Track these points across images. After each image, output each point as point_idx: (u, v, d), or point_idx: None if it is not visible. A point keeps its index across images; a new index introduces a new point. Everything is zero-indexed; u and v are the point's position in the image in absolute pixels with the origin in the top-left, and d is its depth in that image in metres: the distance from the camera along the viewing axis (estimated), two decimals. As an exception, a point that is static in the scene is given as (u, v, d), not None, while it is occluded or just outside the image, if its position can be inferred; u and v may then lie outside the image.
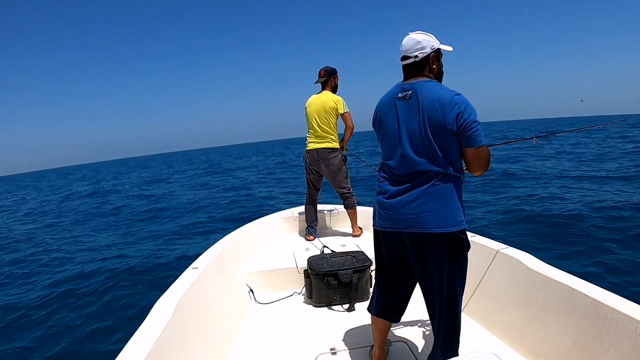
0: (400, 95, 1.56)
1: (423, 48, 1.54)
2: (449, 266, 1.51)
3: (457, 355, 1.59)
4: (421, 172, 1.51)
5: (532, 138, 2.27)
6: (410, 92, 1.53)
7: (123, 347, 1.46)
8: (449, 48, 1.61)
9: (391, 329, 1.95)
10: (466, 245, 1.55)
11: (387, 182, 1.62)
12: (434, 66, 1.57)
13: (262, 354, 2.04)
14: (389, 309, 1.78)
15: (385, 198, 1.61)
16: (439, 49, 1.58)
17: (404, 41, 1.58)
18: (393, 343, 2.06)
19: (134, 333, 1.56)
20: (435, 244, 1.51)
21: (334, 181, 3.64)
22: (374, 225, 1.71)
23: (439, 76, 1.62)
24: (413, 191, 1.52)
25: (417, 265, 1.60)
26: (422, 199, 1.50)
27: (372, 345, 1.92)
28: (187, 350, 1.72)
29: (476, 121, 1.44)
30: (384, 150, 1.66)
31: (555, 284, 1.85)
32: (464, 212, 1.54)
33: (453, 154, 1.49)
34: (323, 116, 3.50)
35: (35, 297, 5.34)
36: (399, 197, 1.56)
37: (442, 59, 1.64)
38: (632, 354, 1.45)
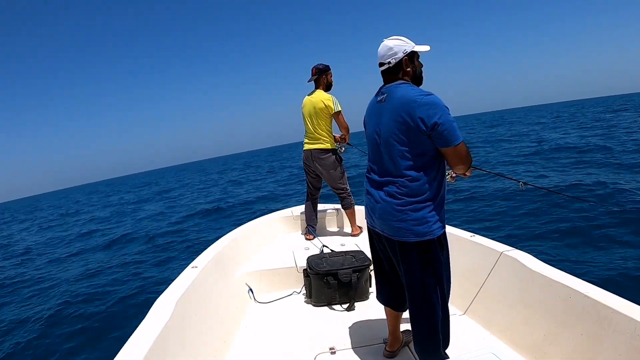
0: (378, 99, 1.62)
1: (395, 54, 1.56)
2: (420, 270, 1.54)
3: (436, 354, 1.62)
4: (394, 175, 1.54)
5: (520, 182, 2.31)
6: (385, 95, 1.58)
7: (122, 345, 1.46)
8: (425, 48, 1.60)
9: None
10: (439, 249, 1.56)
11: (369, 183, 1.69)
12: (409, 69, 1.58)
13: (262, 353, 2.04)
14: (389, 297, 1.85)
15: (368, 198, 1.69)
16: (412, 52, 1.58)
17: (379, 49, 1.60)
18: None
19: (133, 332, 1.56)
20: (404, 250, 1.55)
21: (330, 181, 3.63)
22: (365, 220, 1.80)
23: (415, 78, 1.61)
24: (385, 195, 1.57)
25: (395, 262, 1.68)
26: (392, 205, 1.54)
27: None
28: (187, 349, 1.72)
29: (448, 120, 1.43)
30: (368, 152, 1.72)
31: (555, 285, 1.85)
32: (440, 215, 1.55)
33: (426, 156, 1.50)
34: (314, 118, 3.48)
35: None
36: (374, 200, 1.63)
37: (421, 59, 1.64)
38: (632, 355, 1.45)
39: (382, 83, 1.66)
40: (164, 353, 1.52)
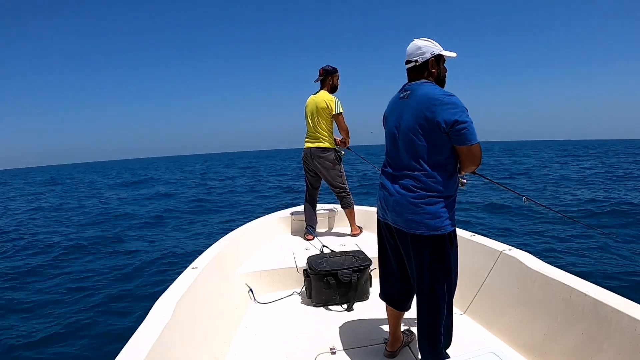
0: (401, 95, 1.67)
1: (423, 53, 1.62)
2: (429, 264, 1.57)
3: (440, 351, 1.63)
4: (411, 169, 1.58)
5: (523, 197, 2.33)
6: (408, 92, 1.63)
7: (122, 346, 1.46)
8: (452, 54, 1.67)
9: None
10: (449, 245, 1.59)
11: (384, 176, 1.74)
12: (434, 70, 1.64)
13: (262, 354, 2.04)
14: (392, 295, 1.87)
15: (382, 191, 1.73)
16: (439, 55, 1.64)
17: (408, 47, 1.67)
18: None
19: (133, 333, 1.56)
20: (416, 242, 1.59)
21: (329, 179, 3.65)
22: (377, 213, 1.82)
23: (439, 80, 1.67)
24: (401, 188, 1.61)
25: (405, 256, 1.70)
26: (407, 198, 1.57)
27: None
28: (187, 350, 1.72)
29: (468, 121, 1.49)
30: (386, 146, 1.76)
31: (555, 284, 1.85)
32: (451, 213, 1.59)
33: (443, 153, 1.55)
34: (316, 117, 3.53)
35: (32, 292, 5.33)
36: (388, 193, 1.67)
37: (446, 65, 1.69)
38: (632, 354, 1.45)
39: (395, 91, 1.72)
40: (165, 354, 1.51)
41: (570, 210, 8.59)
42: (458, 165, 1.62)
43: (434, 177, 1.54)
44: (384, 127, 1.79)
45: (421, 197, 1.55)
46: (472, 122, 1.50)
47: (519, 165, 24.77)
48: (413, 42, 1.66)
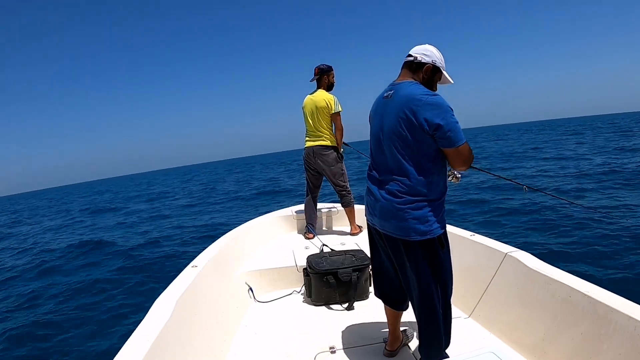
0: (385, 94, 1.63)
1: (426, 56, 1.59)
2: (422, 268, 1.55)
3: (439, 354, 1.62)
4: (396, 173, 1.54)
5: (523, 187, 2.31)
6: (392, 92, 1.59)
7: (122, 345, 1.46)
8: (450, 80, 1.65)
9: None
10: (439, 248, 1.57)
11: (370, 181, 1.70)
12: (425, 76, 1.61)
13: (262, 353, 2.04)
14: (388, 295, 1.86)
15: (369, 196, 1.69)
16: (439, 69, 1.61)
17: (418, 46, 1.64)
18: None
19: (133, 331, 1.56)
20: (404, 248, 1.56)
21: (331, 177, 3.68)
22: (366, 217, 1.80)
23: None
24: (387, 194, 1.57)
25: (395, 260, 1.67)
26: (393, 203, 1.54)
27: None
28: (187, 348, 1.72)
29: (451, 122, 1.44)
30: (370, 149, 1.72)
31: (554, 284, 1.85)
32: (440, 216, 1.55)
33: (428, 155, 1.50)
34: (316, 116, 3.56)
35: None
36: (374, 199, 1.63)
37: (439, 87, 1.67)
38: (632, 353, 1.45)
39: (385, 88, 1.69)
40: (164, 353, 1.52)
41: (571, 195, 8.37)
42: (447, 165, 1.59)
43: (419, 180, 1.50)
44: (370, 128, 1.74)
45: (407, 202, 1.51)
46: (456, 122, 1.45)
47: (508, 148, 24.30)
48: (426, 44, 1.63)
